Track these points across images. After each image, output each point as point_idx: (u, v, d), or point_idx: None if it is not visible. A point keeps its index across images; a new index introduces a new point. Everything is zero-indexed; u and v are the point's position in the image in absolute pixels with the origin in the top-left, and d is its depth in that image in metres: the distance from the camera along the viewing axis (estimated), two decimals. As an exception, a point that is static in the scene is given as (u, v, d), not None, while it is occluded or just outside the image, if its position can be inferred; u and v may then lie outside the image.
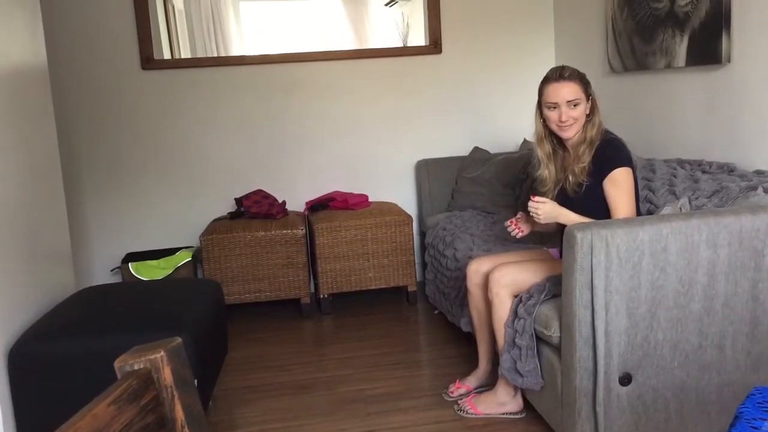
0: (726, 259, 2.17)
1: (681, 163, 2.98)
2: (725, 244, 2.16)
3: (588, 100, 2.59)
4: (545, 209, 2.52)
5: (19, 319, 2.60)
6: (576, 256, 2.13)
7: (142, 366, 0.78)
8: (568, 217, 2.49)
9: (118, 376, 0.78)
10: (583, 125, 2.58)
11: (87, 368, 2.39)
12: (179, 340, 0.84)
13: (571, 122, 2.56)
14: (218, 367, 2.97)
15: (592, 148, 2.55)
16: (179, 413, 0.79)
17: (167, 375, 0.79)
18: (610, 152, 2.53)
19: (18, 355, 2.46)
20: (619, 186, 2.49)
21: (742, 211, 2.22)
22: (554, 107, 2.57)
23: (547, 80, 2.61)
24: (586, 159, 2.54)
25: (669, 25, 3.24)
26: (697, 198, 2.62)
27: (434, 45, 4.46)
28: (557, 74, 2.58)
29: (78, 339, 2.51)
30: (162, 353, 0.79)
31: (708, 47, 2.97)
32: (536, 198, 2.54)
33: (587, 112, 2.58)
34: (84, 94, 4.19)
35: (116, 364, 0.79)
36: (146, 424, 0.75)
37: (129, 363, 0.78)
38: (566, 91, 2.55)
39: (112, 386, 0.74)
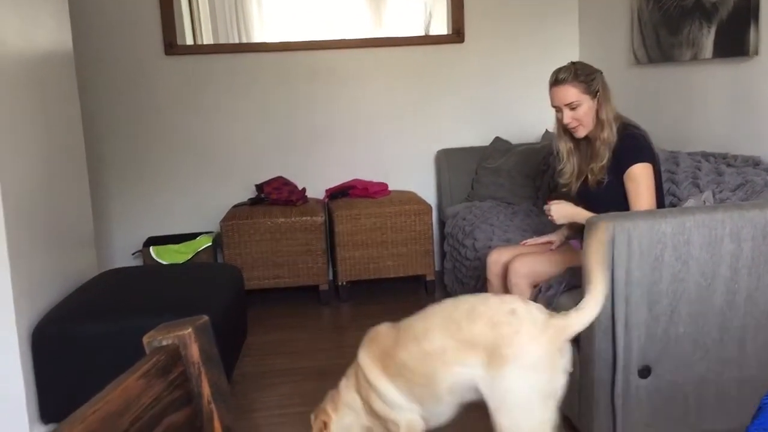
0: (749, 253, 2.15)
1: (705, 156, 2.95)
2: (749, 238, 2.14)
3: (594, 97, 2.55)
4: (557, 209, 2.53)
5: (42, 300, 2.64)
6: (597, 247, 2.11)
7: (170, 342, 0.79)
8: (582, 214, 2.48)
9: (147, 351, 0.79)
10: (595, 123, 2.56)
11: (108, 348, 2.43)
12: (206, 318, 0.85)
13: (575, 124, 2.56)
14: (238, 351, 3.00)
15: (610, 146, 2.52)
16: (206, 389, 0.80)
17: (194, 351, 0.80)
18: (629, 147, 2.51)
19: (41, 335, 2.51)
20: (637, 181, 2.47)
21: (766, 205, 2.20)
22: (559, 111, 2.59)
23: (549, 85, 2.61)
24: (605, 157, 2.52)
25: (696, 16, 3.19)
26: (721, 191, 2.59)
27: (457, 34, 4.44)
28: (554, 78, 2.58)
29: (99, 320, 2.55)
30: (190, 330, 0.80)
31: (735, 39, 2.93)
32: (551, 201, 2.56)
33: (596, 108, 2.55)
34: (108, 79, 4.23)
35: (145, 339, 0.80)
36: (174, 399, 0.76)
37: (157, 339, 0.80)
38: (563, 94, 2.54)
39: (142, 360, 0.75)
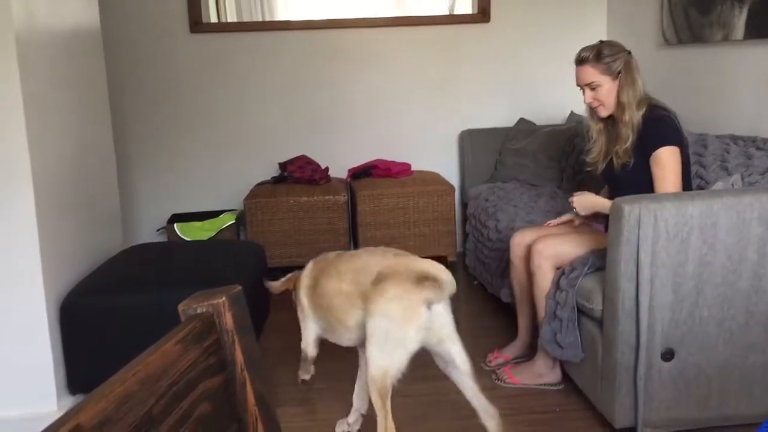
0: (778, 238, 2.13)
1: (734, 139, 2.90)
2: (778, 222, 2.12)
3: (615, 78, 2.53)
4: (579, 200, 2.58)
5: (70, 274, 2.68)
6: (623, 229, 2.11)
7: (204, 310, 0.81)
8: (605, 206, 2.48)
9: (182, 318, 0.81)
10: (617, 105, 2.55)
11: (134, 321, 2.47)
12: (239, 287, 0.86)
13: (596, 104, 2.59)
14: (260, 328, 3.03)
15: (634, 129, 2.51)
16: (239, 357, 0.81)
17: (228, 320, 0.81)
18: (656, 130, 2.48)
19: (69, 308, 2.55)
20: (663, 165, 2.44)
21: (797, 189, 2.17)
22: (582, 90, 2.62)
23: (575, 63, 2.63)
24: (628, 139, 2.51)
25: (728, -4, 3.14)
26: (750, 175, 2.56)
27: (482, 13, 4.39)
28: (577, 57, 2.60)
29: (126, 293, 2.59)
30: (224, 299, 0.81)
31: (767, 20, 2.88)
32: (575, 193, 2.62)
33: (617, 89, 2.54)
34: (134, 56, 4.26)
35: (180, 307, 0.81)
36: (209, 365, 0.78)
37: (192, 307, 0.81)
38: (584, 74, 2.58)
39: (178, 327, 0.77)
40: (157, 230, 4.30)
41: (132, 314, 2.50)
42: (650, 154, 2.47)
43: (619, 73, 2.52)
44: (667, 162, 2.45)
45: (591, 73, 2.55)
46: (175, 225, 4.06)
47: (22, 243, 2.44)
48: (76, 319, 2.55)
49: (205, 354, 0.77)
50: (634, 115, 2.51)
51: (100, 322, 2.54)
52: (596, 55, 2.55)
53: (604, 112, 2.60)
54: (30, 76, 2.44)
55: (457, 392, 2.22)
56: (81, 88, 2.95)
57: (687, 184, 2.53)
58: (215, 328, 0.81)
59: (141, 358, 0.68)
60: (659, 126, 2.49)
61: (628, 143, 2.51)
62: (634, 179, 2.51)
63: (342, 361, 3.02)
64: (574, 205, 2.59)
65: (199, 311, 0.81)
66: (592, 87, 2.56)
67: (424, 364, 2.14)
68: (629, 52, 2.57)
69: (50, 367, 2.52)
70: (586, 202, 2.58)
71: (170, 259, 2.99)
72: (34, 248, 2.44)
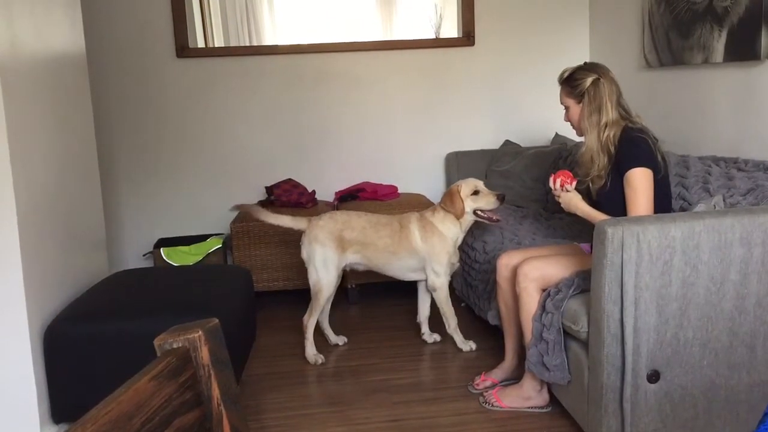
0: (760, 258, 2.14)
1: (716, 160, 2.94)
2: (759, 243, 2.14)
3: (579, 102, 2.58)
4: (566, 198, 2.59)
5: (54, 301, 2.66)
6: (606, 251, 2.12)
7: (180, 345, 0.81)
8: (584, 210, 2.53)
9: (158, 353, 0.80)
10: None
11: (118, 349, 2.44)
12: (216, 321, 0.86)
13: (571, 125, 2.69)
14: (246, 353, 3.01)
15: (603, 153, 2.53)
16: (215, 391, 0.81)
17: (205, 354, 0.81)
18: (630, 151, 2.50)
19: (53, 336, 2.53)
20: (634, 187, 2.46)
21: (777, 210, 2.19)
22: None
23: None
24: (600, 165, 2.53)
25: (707, 20, 3.19)
26: (731, 196, 2.58)
27: (467, 37, 4.44)
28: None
29: (111, 321, 2.57)
30: (200, 333, 0.81)
31: (747, 43, 2.92)
32: (563, 187, 2.58)
33: (580, 113, 2.60)
34: (120, 81, 4.26)
35: (156, 342, 0.81)
36: (185, 401, 0.77)
37: (168, 341, 0.81)
38: (560, 94, 2.67)
39: (153, 362, 0.76)
40: (144, 255, 4.28)
41: (117, 342, 2.48)
42: (623, 174, 2.49)
43: (582, 96, 2.57)
44: (638, 183, 2.45)
45: (562, 94, 2.66)
46: (161, 249, 4.05)
47: (6, 269, 2.41)
48: (60, 346, 2.52)
49: (180, 389, 0.77)
50: (594, 142, 2.54)
51: (85, 349, 2.52)
52: (568, 76, 2.63)
53: (577, 132, 2.69)
54: (13, 101, 2.43)
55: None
56: (65, 113, 2.95)
57: (664, 207, 2.53)
58: (191, 363, 0.80)
59: (114, 396, 0.67)
60: (632, 147, 2.50)
61: (594, 169, 2.54)
62: (610, 198, 2.53)
63: (328, 383, 3.01)
64: (561, 198, 2.59)
65: (174, 346, 0.80)
66: (565, 107, 2.66)
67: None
68: (598, 77, 2.55)
69: (33, 395, 2.49)
70: (571, 203, 2.58)
71: (155, 285, 2.97)
72: (18, 275, 2.42)
